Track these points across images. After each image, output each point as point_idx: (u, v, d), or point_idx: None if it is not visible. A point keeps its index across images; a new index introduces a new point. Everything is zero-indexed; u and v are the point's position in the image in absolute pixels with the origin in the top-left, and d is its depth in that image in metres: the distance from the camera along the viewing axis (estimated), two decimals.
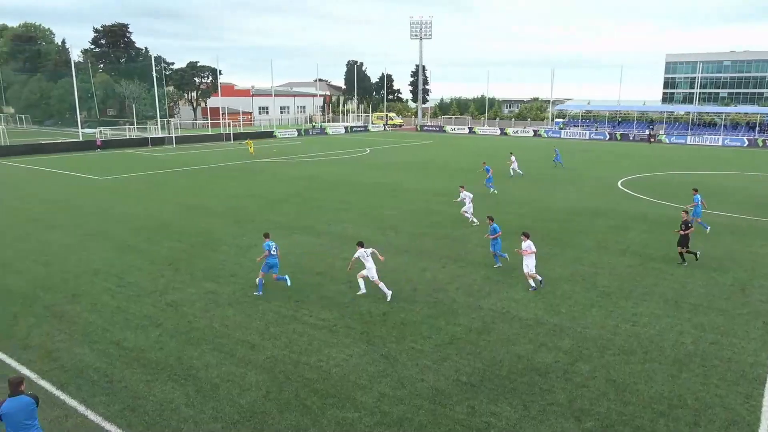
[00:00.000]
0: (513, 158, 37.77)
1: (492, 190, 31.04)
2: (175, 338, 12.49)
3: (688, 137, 70.99)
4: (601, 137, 76.90)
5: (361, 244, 15.06)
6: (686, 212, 18.74)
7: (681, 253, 17.90)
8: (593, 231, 22.59)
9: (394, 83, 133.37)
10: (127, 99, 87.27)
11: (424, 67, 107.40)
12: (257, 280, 15.38)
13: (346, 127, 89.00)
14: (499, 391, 10.34)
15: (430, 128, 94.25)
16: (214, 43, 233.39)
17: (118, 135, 68.21)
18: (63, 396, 10.10)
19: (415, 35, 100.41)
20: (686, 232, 17.72)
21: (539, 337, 12.67)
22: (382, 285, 14.90)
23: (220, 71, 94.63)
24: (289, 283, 15.55)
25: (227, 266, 17.68)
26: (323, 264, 17.91)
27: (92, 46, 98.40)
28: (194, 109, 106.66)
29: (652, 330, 13.04)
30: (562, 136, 79.15)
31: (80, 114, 65.82)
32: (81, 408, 9.73)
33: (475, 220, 23.34)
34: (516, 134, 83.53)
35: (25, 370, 10.94)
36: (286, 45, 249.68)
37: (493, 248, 17.55)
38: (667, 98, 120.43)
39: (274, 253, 15.31)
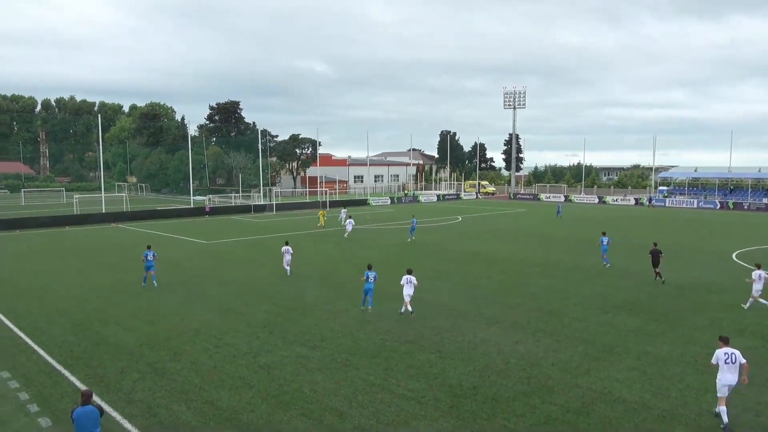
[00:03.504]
0: (343, 211, 47.83)
1: (411, 238, 38.90)
2: (266, 401, 12.66)
3: None
4: (711, 206, 72.08)
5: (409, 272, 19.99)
6: (655, 244, 26.26)
7: (657, 273, 25.15)
8: (706, 308, 20.78)
9: (486, 152, 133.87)
10: (234, 169, 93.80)
11: (517, 135, 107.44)
12: (143, 277, 24.24)
13: (438, 195, 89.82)
14: None
15: (524, 196, 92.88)
16: (315, 117, 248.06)
17: (225, 202, 73.05)
18: None
19: (509, 105, 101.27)
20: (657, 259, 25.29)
21: (646, 422, 11.58)
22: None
23: (319, 143, 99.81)
24: (155, 284, 23.86)
25: (318, 331, 17.93)
26: (413, 332, 17.70)
27: (207, 122, 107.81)
28: (294, 178, 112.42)
29: None
30: (667, 205, 75.06)
31: (193, 183, 71.47)
32: None
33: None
34: (615, 203, 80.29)
35: (127, 424, 11.48)
36: (382, 117, 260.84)
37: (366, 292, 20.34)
38: None
39: (151, 258, 24.00)
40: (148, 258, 24.11)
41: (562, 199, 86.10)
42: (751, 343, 16.57)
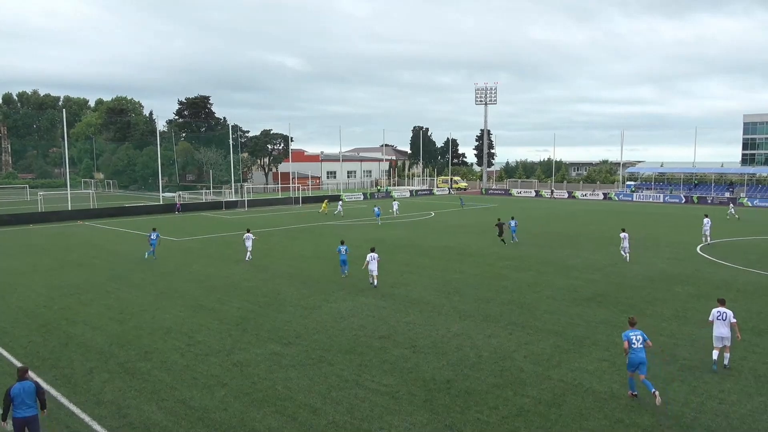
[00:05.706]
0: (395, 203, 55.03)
1: (378, 222, 46.79)
2: (239, 399, 12.55)
3: None
4: (677, 200, 73.97)
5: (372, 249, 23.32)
6: (499, 219, 36.93)
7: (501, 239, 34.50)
8: (672, 299, 21.33)
9: (458, 147, 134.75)
10: (205, 165, 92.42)
11: (489, 131, 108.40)
12: (147, 252, 30.14)
13: (411, 191, 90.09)
14: None
15: (496, 191, 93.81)
16: (287, 112, 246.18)
17: (195, 199, 71.97)
18: None
19: (480, 101, 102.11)
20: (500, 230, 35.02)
21: (615, 412, 11.85)
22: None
23: (291, 138, 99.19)
24: (146, 257, 30.03)
25: (292, 327, 17.84)
26: (386, 327, 17.74)
27: (176, 117, 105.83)
28: (266, 174, 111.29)
29: (743, 409, 11.93)
30: (635, 199, 76.72)
31: (162, 179, 70.20)
32: None
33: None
34: (585, 197, 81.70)
35: (96, 426, 11.25)
36: (355, 112, 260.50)
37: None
38: (747, 160, 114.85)
39: (154, 238, 29.95)
40: (151, 238, 30.24)
41: (532, 194, 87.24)
42: None
